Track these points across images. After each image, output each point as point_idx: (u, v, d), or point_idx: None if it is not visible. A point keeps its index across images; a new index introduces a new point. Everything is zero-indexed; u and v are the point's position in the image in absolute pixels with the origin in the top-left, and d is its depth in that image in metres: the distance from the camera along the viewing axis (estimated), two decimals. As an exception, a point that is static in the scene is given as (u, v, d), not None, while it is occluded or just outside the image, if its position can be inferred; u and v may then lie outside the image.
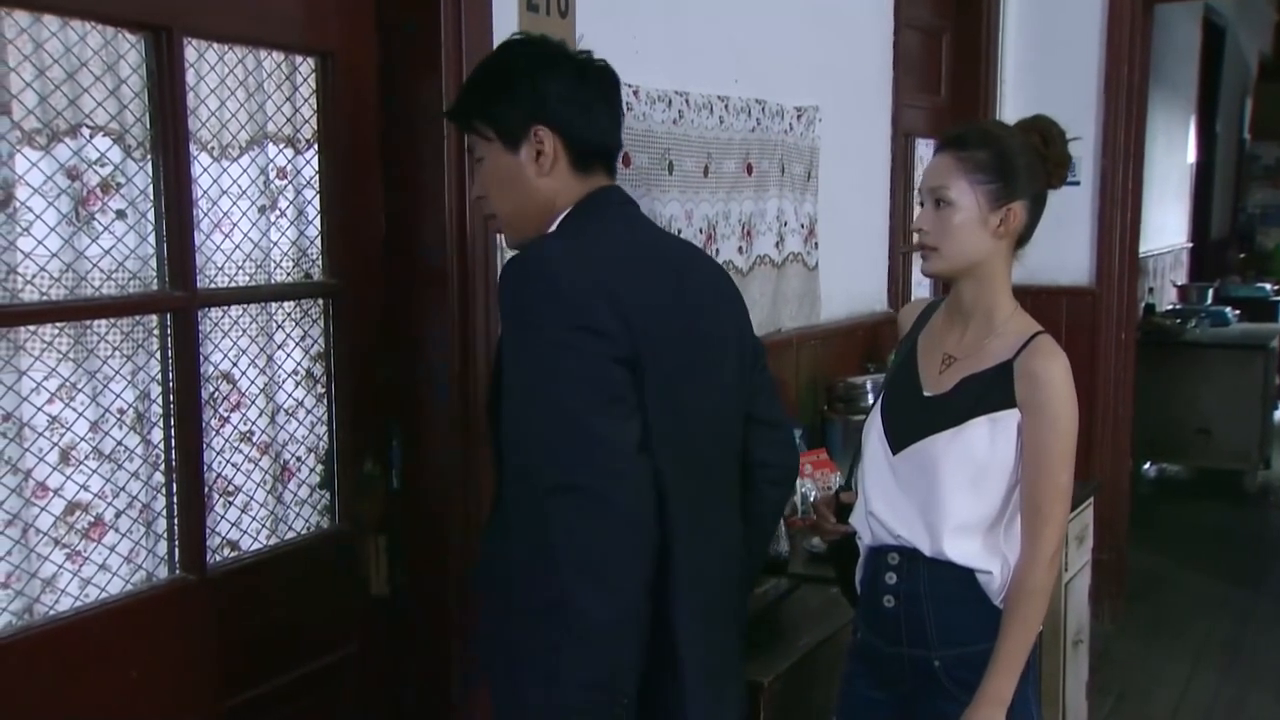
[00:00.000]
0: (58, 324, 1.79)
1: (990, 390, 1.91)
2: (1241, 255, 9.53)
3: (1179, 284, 8.06)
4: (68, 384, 1.80)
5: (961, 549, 1.91)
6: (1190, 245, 8.68)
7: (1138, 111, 4.67)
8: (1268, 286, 8.43)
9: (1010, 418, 1.89)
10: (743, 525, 1.87)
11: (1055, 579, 1.96)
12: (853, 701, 2.08)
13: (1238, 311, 7.50)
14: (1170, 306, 7.60)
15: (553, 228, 1.71)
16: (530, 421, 1.56)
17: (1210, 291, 7.82)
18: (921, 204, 1.99)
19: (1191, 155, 8.52)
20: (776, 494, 1.98)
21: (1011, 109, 4.76)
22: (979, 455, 1.89)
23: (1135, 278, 4.92)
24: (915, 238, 1.98)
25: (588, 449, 1.51)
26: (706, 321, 1.76)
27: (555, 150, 1.70)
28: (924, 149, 4.43)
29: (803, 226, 3.44)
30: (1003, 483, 1.90)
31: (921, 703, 1.98)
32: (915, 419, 1.96)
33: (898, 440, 1.97)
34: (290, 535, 2.18)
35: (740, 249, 3.14)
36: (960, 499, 1.90)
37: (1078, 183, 4.74)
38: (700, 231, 2.96)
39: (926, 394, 1.98)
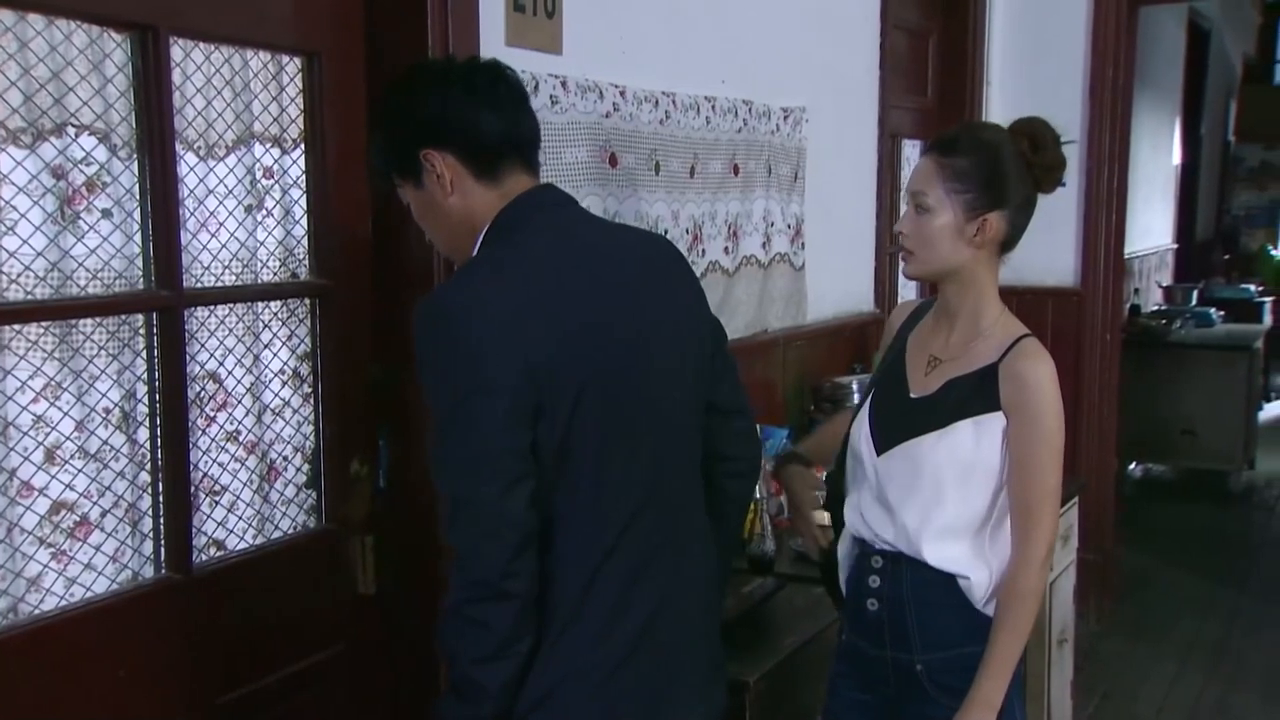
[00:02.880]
0: (43, 323, 1.78)
1: (976, 393, 1.90)
2: (1226, 256, 9.56)
3: (1164, 285, 8.08)
4: (53, 383, 1.80)
5: (942, 552, 1.90)
6: (1175, 246, 8.71)
7: (1123, 113, 4.69)
8: (1252, 288, 8.46)
9: (995, 420, 1.88)
10: (709, 523, 1.84)
11: (1046, 582, 1.94)
12: (839, 703, 2.08)
13: (1222, 312, 7.53)
14: (1156, 307, 7.63)
15: (475, 249, 1.69)
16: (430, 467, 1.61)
17: (1195, 293, 7.84)
18: (907, 205, 1.99)
19: (1177, 157, 8.55)
20: (739, 488, 1.93)
21: (998, 110, 4.78)
22: (964, 458, 1.89)
23: (1121, 278, 4.95)
24: (898, 239, 1.99)
25: (464, 512, 1.55)
26: (646, 323, 1.69)
27: (449, 168, 1.67)
28: (910, 150, 4.45)
29: (789, 227, 3.44)
30: (988, 486, 1.89)
31: (906, 706, 1.98)
32: (901, 420, 1.96)
33: (883, 441, 1.97)
34: (277, 535, 2.18)
35: (726, 249, 3.15)
36: (945, 501, 1.89)
37: (1064, 184, 4.75)
38: (687, 232, 2.96)
39: (913, 395, 1.97)
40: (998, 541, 1.91)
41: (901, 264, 2.00)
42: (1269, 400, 8.78)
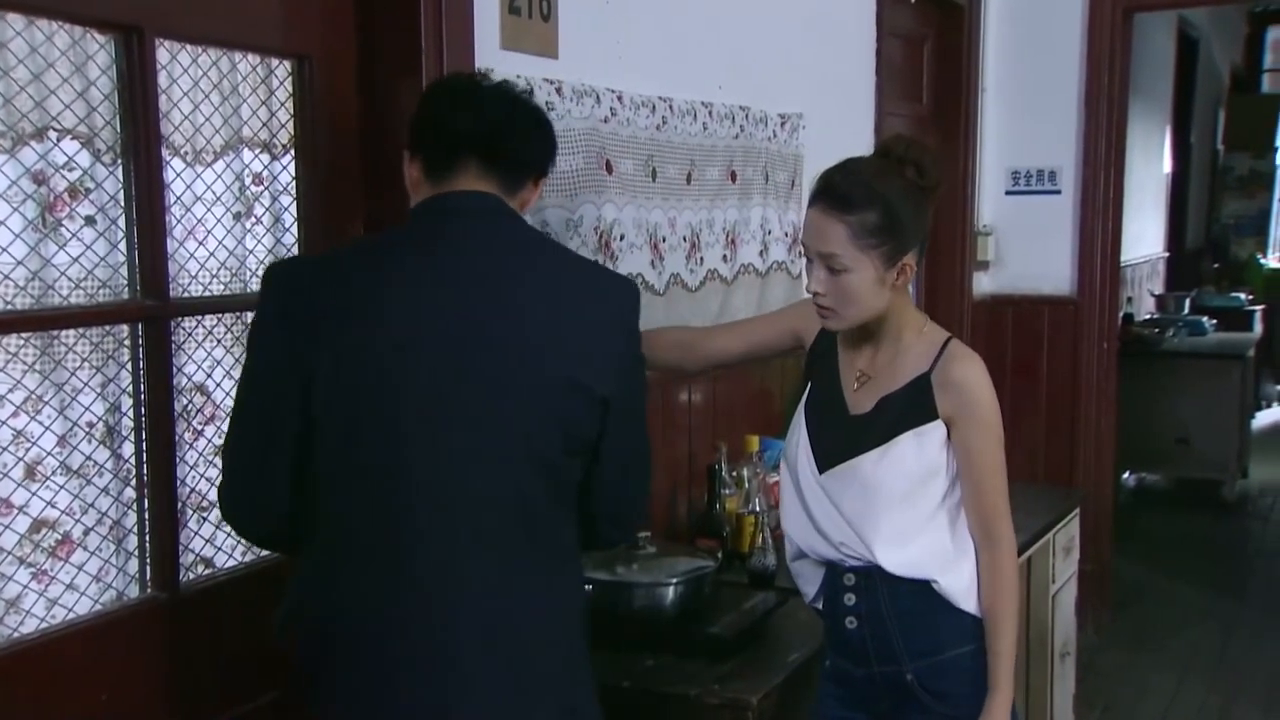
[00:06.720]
0: (23, 334, 1.73)
1: (910, 405, 1.93)
2: (1216, 265, 9.56)
3: (1156, 294, 8.08)
4: (34, 396, 1.75)
5: (904, 560, 1.93)
6: (1167, 255, 8.71)
7: (1118, 120, 4.68)
8: (1242, 296, 8.45)
9: (935, 429, 1.92)
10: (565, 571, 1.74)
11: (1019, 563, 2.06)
12: None
13: (1214, 321, 7.52)
14: (1148, 316, 7.62)
15: None
16: None
17: (1186, 301, 7.84)
18: (808, 259, 1.94)
19: (1167, 165, 8.55)
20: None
21: (993, 117, 4.76)
22: (909, 469, 1.92)
23: (1116, 287, 4.92)
24: (812, 297, 1.95)
25: (233, 427, 1.67)
26: (457, 362, 1.59)
27: (414, 168, 1.75)
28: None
29: (786, 235, 3.40)
30: (936, 488, 1.94)
31: (901, 718, 1.99)
32: (841, 439, 1.98)
33: (825, 460, 1.99)
34: (267, 552, 2.11)
35: (724, 257, 3.10)
36: (896, 513, 1.92)
37: (1059, 191, 4.74)
38: (684, 239, 2.92)
39: (852, 413, 1.99)
40: (960, 537, 1.96)
41: (823, 319, 1.97)
42: (1261, 409, 8.78)
